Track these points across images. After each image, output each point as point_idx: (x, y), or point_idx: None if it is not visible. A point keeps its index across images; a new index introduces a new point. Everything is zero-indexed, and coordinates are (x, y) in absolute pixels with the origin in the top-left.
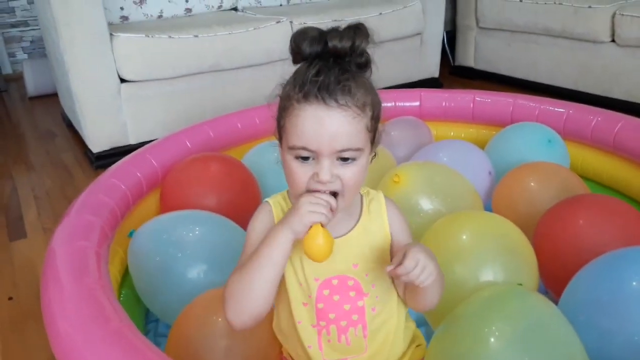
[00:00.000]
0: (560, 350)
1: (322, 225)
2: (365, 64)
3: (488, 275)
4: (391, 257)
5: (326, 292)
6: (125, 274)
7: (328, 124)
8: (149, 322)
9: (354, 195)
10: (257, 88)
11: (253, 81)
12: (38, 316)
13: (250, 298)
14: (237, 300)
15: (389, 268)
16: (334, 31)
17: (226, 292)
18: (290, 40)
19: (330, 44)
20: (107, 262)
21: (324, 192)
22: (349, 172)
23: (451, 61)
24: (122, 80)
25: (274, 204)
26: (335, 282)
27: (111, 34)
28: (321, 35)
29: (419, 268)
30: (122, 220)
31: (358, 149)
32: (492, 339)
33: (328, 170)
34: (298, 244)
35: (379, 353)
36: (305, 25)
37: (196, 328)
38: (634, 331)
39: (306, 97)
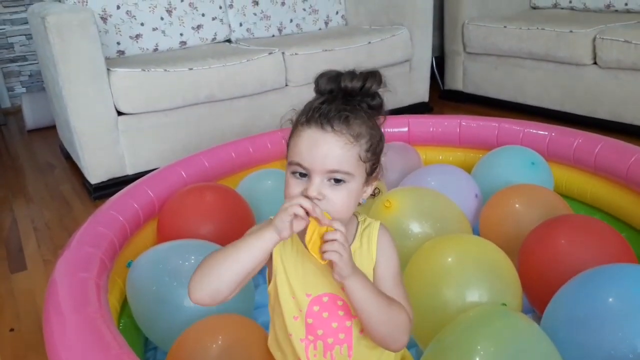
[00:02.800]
0: None
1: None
2: (377, 107)
3: (473, 296)
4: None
5: (316, 308)
6: (125, 304)
7: (321, 145)
8: (148, 350)
9: (345, 219)
10: (251, 117)
11: (247, 111)
12: (40, 347)
13: (214, 274)
14: (204, 273)
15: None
16: (349, 73)
17: (201, 263)
18: (314, 80)
19: (342, 84)
20: (106, 292)
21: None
22: (337, 195)
23: (440, 85)
24: (120, 113)
25: None
26: (325, 299)
27: (108, 69)
28: (337, 76)
29: (337, 238)
30: (120, 251)
31: (347, 173)
32: (478, 358)
33: (316, 188)
34: (293, 257)
35: None
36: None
37: (191, 355)
38: (611, 346)
39: (308, 121)
